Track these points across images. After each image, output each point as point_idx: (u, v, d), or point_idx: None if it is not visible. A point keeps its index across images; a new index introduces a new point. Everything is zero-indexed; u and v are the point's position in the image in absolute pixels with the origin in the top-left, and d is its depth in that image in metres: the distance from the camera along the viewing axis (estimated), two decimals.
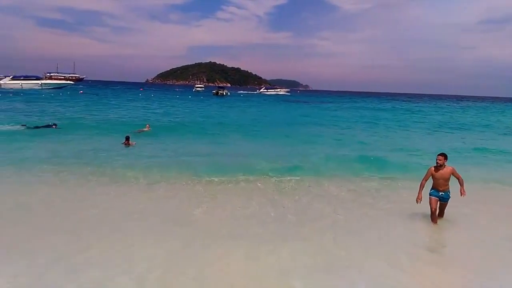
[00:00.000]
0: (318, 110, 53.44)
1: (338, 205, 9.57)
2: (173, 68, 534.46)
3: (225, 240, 7.20)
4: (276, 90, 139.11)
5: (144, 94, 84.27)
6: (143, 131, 21.17)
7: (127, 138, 16.73)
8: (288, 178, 11.89)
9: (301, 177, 12.09)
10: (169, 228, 7.75)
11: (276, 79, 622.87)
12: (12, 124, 21.29)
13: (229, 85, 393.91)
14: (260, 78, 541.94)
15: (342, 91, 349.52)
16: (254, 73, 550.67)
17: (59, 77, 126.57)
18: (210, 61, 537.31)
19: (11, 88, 71.52)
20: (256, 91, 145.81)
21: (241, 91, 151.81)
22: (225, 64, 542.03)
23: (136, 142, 16.94)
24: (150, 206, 9.11)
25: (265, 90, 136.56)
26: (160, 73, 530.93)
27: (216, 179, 11.46)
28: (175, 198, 9.75)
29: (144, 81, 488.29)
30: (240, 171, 12.36)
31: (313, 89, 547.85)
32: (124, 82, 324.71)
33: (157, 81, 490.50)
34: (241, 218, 8.47)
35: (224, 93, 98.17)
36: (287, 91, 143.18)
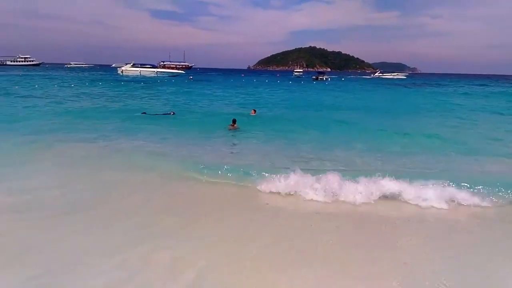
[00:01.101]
0: (434, 96, 48.61)
1: None
2: (273, 54, 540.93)
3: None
4: (393, 74, 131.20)
5: (246, 80, 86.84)
6: (249, 115, 21.69)
7: (234, 121, 17.32)
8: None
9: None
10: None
11: (379, 62, 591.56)
12: (136, 113, 22.96)
13: (329, 69, 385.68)
14: (363, 61, 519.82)
15: (457, 74, 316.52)
16: (356, 57, 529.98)
17: (171, 66, 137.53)
18: (310, 46, 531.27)
19: (131, 75, 79.93)
20: (369, 75, 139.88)
21: (351, 76, 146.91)
22: (325, 48, 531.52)
23: (239, 127, 17.42)
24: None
25: (380, 74, 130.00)
26: (261, 60, 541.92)
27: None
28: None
29: (246, 68, 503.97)
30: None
31: (421, 72, 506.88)
32: (227, 69, 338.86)
33: (258, 67, 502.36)
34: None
35: (324, 78, 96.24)
36: (405, 75, 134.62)
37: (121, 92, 39.28)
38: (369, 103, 35.43)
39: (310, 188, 8.67)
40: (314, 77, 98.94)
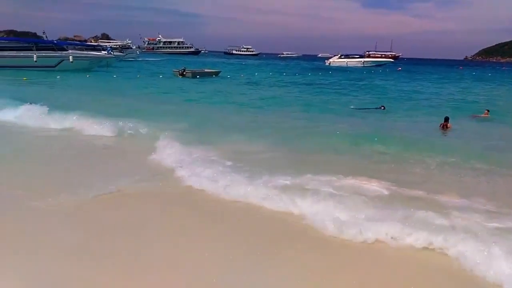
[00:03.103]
0: None
1: None
2: (499, 44, 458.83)
3: None
4: None
5: (465, 72, 76.40)
6: (479, 117, 18.29)
7: (446, 119, 15.02)
8: None
9: None
10: None
11: None
12: (346, 106, 22.45)
13: None
14: None
15: None
16: None
17: (377, 55, 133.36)
18: None
19: (338, 66, 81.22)
20: None
21: None
22: None
23: (453, 126, 14.88)
24: None
25: None
26: (482, 49, 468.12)
27: None
28: None
29: (463, 58, 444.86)
30: None
31: None
32: (440, 59, 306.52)
33: (477, 58, 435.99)
34: None
35: None
36: None
37: (329, 83, 40.28)
38: None
39: None
40: None
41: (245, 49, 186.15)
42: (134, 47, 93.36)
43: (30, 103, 14.77)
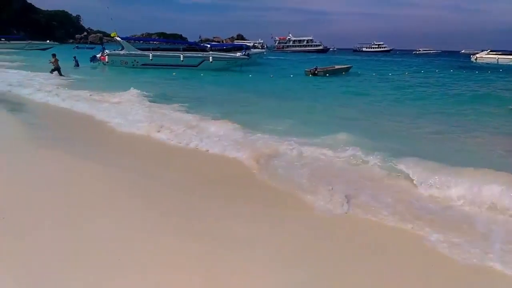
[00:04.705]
0: None
1: None
2: None
3: None
4: None
5: None
6: None
7: None
8: None
9: None
10: None
11: None
12: (502, 106, 19.67)
13: None
14: None
15: None
16: None
17: None
18: None
19: (487, 62, 71.53)
20: None
21: None
22: None
23: None
24: None
25: None
26: None
27: None
28: None
29: None
30: None
31: None
32: None
33: None
34: None
35: None
36: None
37: (478, 80, 35.62)
38: None
39: None
40: None
41: (376, 46, 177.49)
42: (261, 47, 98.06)
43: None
